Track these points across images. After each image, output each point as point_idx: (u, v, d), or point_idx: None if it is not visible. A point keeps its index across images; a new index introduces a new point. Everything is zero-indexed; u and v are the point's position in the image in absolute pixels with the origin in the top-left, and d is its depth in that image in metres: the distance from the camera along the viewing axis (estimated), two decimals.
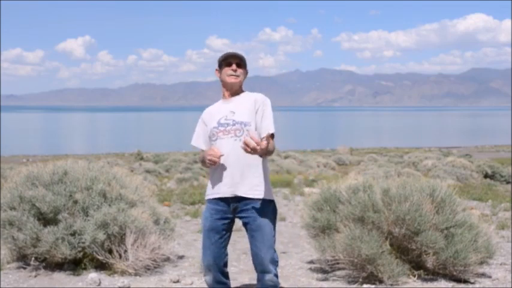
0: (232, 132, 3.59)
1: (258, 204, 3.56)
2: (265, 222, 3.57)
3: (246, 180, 3.55)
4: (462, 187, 12.93)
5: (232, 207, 3.60)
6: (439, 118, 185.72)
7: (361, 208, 5.35)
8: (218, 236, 3.63)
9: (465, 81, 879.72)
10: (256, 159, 3.57)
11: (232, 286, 3.95)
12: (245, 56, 3.75)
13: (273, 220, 3.65)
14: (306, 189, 13.08)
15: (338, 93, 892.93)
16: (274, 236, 3.62)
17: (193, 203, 11.13)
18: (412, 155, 29.20)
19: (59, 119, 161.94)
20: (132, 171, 17.58)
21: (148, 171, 21.26)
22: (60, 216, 5.48)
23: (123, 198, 5.80)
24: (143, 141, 59.83)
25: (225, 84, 3.73)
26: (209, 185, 3.71)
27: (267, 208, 3.61)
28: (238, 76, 3.68)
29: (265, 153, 3.39)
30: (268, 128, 3.56)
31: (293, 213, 9.61)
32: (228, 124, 3.61)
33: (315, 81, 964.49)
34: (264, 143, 3.28)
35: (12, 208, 5.56)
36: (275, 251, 3.62)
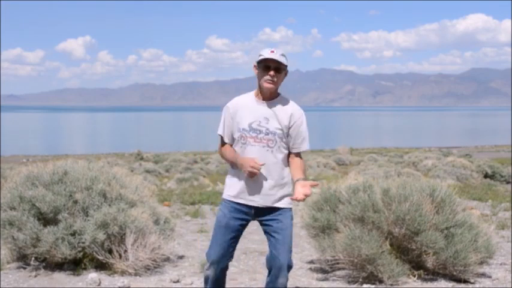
0: (265, 141, 3.50)
1: (280, 210, 3.59)
2: (287, 225, 3.57)
3: (276, 191, 3.54)
4: (462, 187, 12.92)
5: (254, 211, 3.57)
6: (439, 118, 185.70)
7: (361, 208, 5.35)
8: (232, 235, 3.59)
9: (465, 81, 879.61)
10: (283, 169, 3.57)
11: (232, 286, 3.95)
12: (285, 54, 3.49)
13: (292, 226, 3.66)
14: None
15: (338, 93, 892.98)
16: (292, 241, 3.62)
17: (193, 203, 11.13)
18: (412, 155, 29.19)
19: (59, 119, 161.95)
20: (132, 171, 17.58)
21: (148, 171, 21.27)
22: (60, 216, 5.48)
23: (123, 198, 5.80)
24: (143, 141, 59.82)
25: (260, 86, 3.54)
26: (231, 185, 3.62)
27: (289, 213, 3.63)
28: (275, 82, 3.48)
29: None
30: (303, 145, 3.56)
31: (293, 213, 9.60)
32: (260, 131, 3.50)
33: (315, 81, 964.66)
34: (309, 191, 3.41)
35: (12, 208, 5.55)
36: (291, 256, 3.59)
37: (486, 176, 19.91)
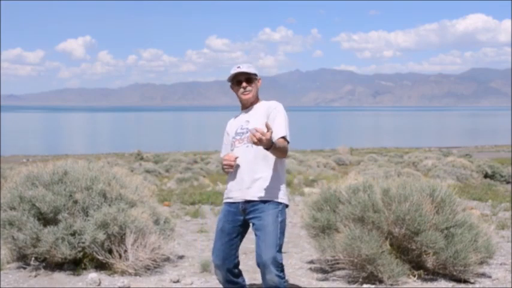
0: (245, 139, 3.73)
1: (264, 205, 3.65)
2: (268, 222, 3.62)
3: (255, 184, 3.68)
4: (462, 187, 12.92)
5: (242, 208, 3.72)
6: (439, 118, 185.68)
7: (361, 208, 5.35)
8: (228, 238, 3.76)
9: (465, 81, 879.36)
10: (267, 164, 3.68)
11: None
12: (251, 64, 3.81)
13: (280, 222, 3.66)
14: (306, 189, 13.07)
15: (338, 93, 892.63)
16: (279, 238, 3.63)
17: (193, 203, 11.12)
18: (412, 155, 29.15)
19: (59, 119, 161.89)
20: (132, 171, 17.58)
21: (148, 171, 21.24)
22: (60, 216, 5.48)
23: (123, 198, 5.80)
24: (143, 141, 59.80)
25: (240, 100, 3.87)
26: (226, 188, 3.89)
27: (273, 209, 3.66)
28: (250, 91, 3.80)
29: (269, 146, 3.40)
30: (278, 131, 3.60)
31: (293, 213, 9.61)
32: (242, 133, 3.79)
33: (315, 81, 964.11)
34: (269, 133, 3.34)
35: (12, 208, 5.56)
36: (279, 252, 3.60)
37: (486, 176, 19.89)
